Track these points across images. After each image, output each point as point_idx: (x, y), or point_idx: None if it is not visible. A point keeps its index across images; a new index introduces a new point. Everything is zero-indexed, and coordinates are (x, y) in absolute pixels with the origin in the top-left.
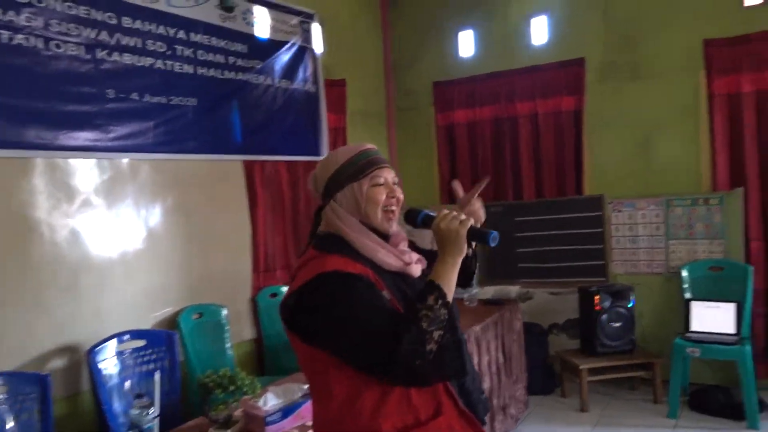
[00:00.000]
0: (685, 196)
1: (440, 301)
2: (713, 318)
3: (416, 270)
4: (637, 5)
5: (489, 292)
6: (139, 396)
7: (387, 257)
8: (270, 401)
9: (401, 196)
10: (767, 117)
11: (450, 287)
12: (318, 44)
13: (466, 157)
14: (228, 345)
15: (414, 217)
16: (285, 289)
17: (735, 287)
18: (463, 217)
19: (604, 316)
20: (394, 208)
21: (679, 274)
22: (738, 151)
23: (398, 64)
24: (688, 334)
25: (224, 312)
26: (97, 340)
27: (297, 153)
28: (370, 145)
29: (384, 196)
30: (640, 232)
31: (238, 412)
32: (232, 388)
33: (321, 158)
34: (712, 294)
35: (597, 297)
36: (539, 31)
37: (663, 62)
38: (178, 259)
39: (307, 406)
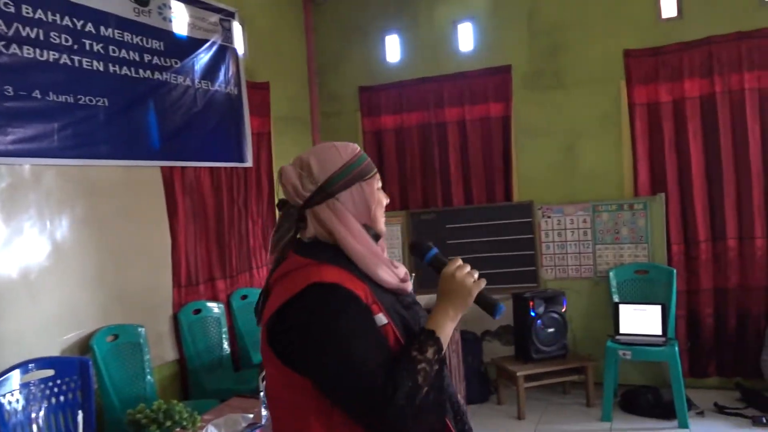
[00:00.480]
0: (610, 202)
1: (437, 357)
2: (640, 320)
3: (409, 287)
4: (560, 15)
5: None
6: None
7: (387, 275)
8: None
9: None
10: (684, 125)
11: (446, 341)
12: (240, 44)
13: (394, 163)
14: (148, 369)
15: (422, 253)
16: (210, 304)
17: (660, 290)
18: (476, 276)
19: (539, 322)
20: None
21: (607, 278)
22: (658, 158)
23: (323, 67)
24: (618, 337)
25: (143, 332)
26: None
27: (219, 159)
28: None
29: (385, 200)
30: (568, 237)
31: None
32: (168, 423)
33: (245, 164)
34: (638, 297)
35: (532, 303)
36: (466, 37)
37: (586, 71)
38: (89, 276)
39: None
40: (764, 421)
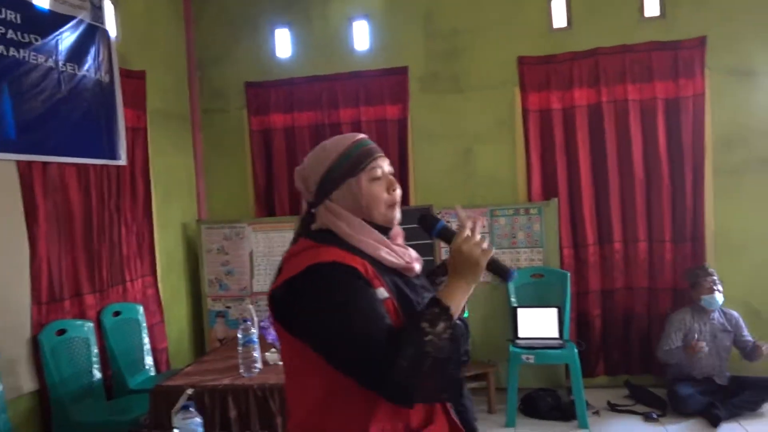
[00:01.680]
0: (507, 206)
1: (448, 331)
2: (538, 323)
3: (417, 268)
4: (456, 19)
5: None
6: None
7: (389, 255)
8: None
9: (399, 188)
10: (573, 133)
11: (458, 313)
12: (111, 25)
13: (284, 165)
14: (0, 404)
15: (430, 225)
16: (78, 323)
17: (555, 293)
18: (485, 245)
19: None
20: (397, 201)
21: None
22: (550, 163)
23: (204, 60)
24: (518, 341)
25: None
26: None
27: (88, 155)
28: (361, 135)
29: (385, 192)
30: None
31: None
32: None
33: (119, 162)
34: (535, 300)
35: None
36: (361, 36)
37: (482, 76)
38: None
39: None
40: (654, 416)
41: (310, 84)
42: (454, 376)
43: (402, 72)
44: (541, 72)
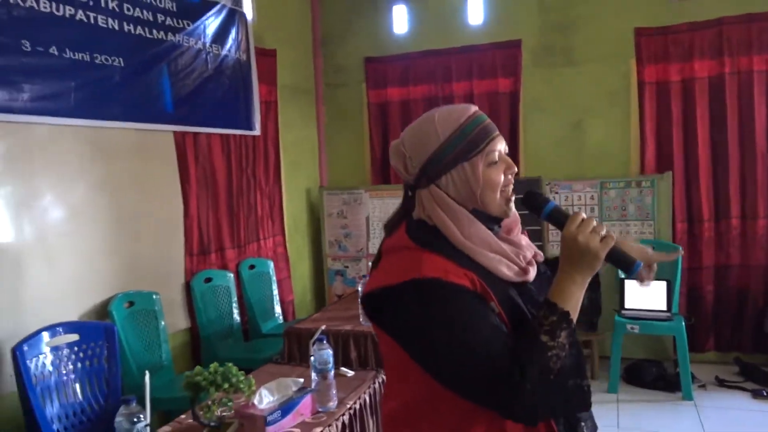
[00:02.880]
0: (618, 179)
1: (570, 339)
2: (646, 296)
3: (532, 274)
4: None
5: None
6: (125, 402)
7: (502, 266)
8: (265, 398)
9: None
10: (692, 105)
11: (576, 314)
12: (248, 8)
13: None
14: (163, 336)
15: (538, 206)
16: (223, 273)
17: (665, 266)
18: (604, 231)
19: None
20: (512, 187)
21: None
22: (665, 136)
23: (328, 37)
24: (624, 312)
25: (158, 299)
26: (17, 335)
27: (230, 126)
28: (475, 108)
29: (502, 176)
30: None
31: (230, 414)
32: (226, 385)
33: (254, 132)
34: None
35: None
36: (475, 10)
37: (595, 48)
38: (104, 242)
39: (306, 402)
40: (765, 394)
41: (425, 58)
42: (583, 385)
43: (515, 45)
44: (659, 43)
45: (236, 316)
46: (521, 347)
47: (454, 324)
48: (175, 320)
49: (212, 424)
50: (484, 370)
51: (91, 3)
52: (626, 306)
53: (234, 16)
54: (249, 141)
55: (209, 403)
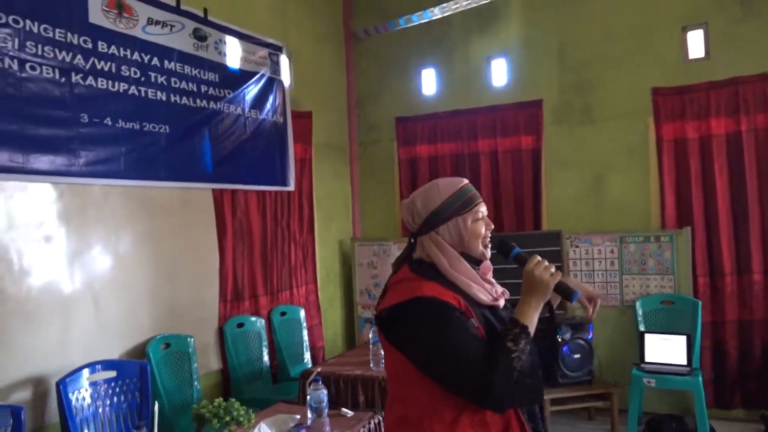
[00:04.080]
0: (637, 233)
1: (529, 347)
2: (666, 349)
3: (501, 303)
4: (589, 52)
5: None
6: (139, 427)
7: (479, 293)
8: None
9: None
10: (710, 161)
11: (533, 327)
12: (286, 76)
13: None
14: (195, 376)
15: (507, 251)
16: (252, 319)
17: (685, 320)
18: (553, 269)
19: (565, 348)
20: (489, 238)
21: (634, 307)
22: (684, 192)
23: (362, 99)
24: (644, 365)
25: (192, 342)
26: (63, 371)
27: (266, 183)
28: (466, 181)
29: (483, 230)
30: (596, 266)
31: None
32: (227, 418)
33: (288, 188)
34: (664, 326)
35: (558, 329)
36: (499, 72)
37: (614, 107)
38: (146, 288)
39: None
40: None
41: (452, 118)
42: (538, 383)
43: (536, 105)
44: (676, 102)
45: (266, 360)
46: (493, 351)
47: (444, 332)
48: (207, 361)
49: None
50: (464, 368)
51: (142, 79)
52: (646, 359)
53: (272, 83)
54: (284, 196)
55: None
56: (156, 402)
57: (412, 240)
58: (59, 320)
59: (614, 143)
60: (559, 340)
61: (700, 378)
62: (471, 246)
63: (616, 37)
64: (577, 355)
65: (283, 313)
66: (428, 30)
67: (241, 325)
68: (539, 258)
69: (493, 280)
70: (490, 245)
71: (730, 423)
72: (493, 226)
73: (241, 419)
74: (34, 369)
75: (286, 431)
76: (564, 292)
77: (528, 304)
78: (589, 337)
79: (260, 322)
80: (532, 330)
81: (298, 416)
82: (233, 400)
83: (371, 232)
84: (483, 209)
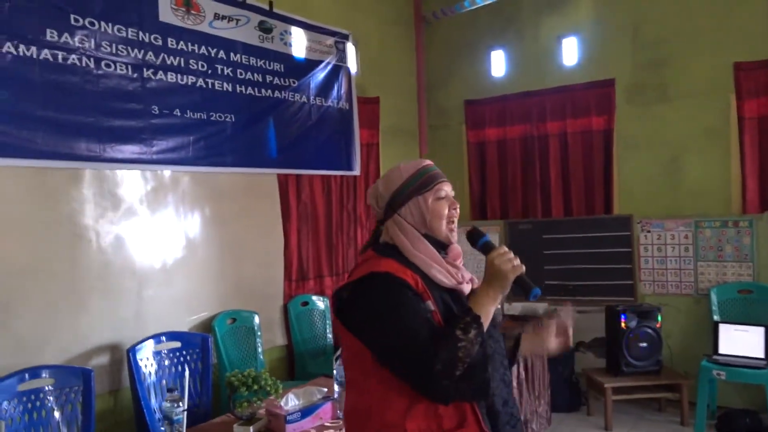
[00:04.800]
0: (714, 218)
1: (479, 338)
2: (741, 341)
3: (466, 289)
4: (666, 28)
5: (516, 308)
6: (170, 390)
7: (439, 274)
8: (291, 402)
9: (458, 209)
10: None
11: (487, 319)
12: (352, 63)
13: (496, 174)
14: (260, 350)
15: (475, 239)
16: (316, 298)
17: (764, 311)
18: (517, 262)
19: (631, 336)
20: (455, 219)
21: (708, 295)
22: None
23: (431, 82)
24: (716, 357)
25: (256, 318)
26: (137, 340)
27: (330, 167)
28: (428, 162)
29: (446, 209)
30: (668, 252)
31: (261, 411)
32: (255, 387)
33: (354, 173)
34: (740, 317)
35: (623, 316)
36: (570, 51)
37: (692, 84)
38: (213, 267)
39: (326, 408)
40: None
41: (521, 99)
42: (484, 378)
43: (608, 84)
44: (761, 77)
45: (330, 337)
46: (439, 337)
47: (394, 310)
48: (273, 337)
49: (244, 417)
50: (409, 350)
51: (209, 71)
52: (720, 351)
53: (338, 70)
54: (350, 180)
55: (244, 401)
56: (186, 371)
57: (380, 226)
58: (135, 294)
59: (691, 123)
60: (623, 327)
61: None
62: (434, 226)
63: (696, 11)
64: (643, 344)
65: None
66: (498, 11)
67: (305, 303)
68: (505, 249)
69: (461, 266)
70: (455, 228)
71: None
72: (458, 206)
73: (269, 388)
74: (112, 337)
75: (312, 402)
76: (523, 285)
77: (485, 295)
78: (658, 325)
79: (324, 301)
80: (485, 321)
81: (326, 389)
82: (263, 370)
83: None
84: (446, 188)
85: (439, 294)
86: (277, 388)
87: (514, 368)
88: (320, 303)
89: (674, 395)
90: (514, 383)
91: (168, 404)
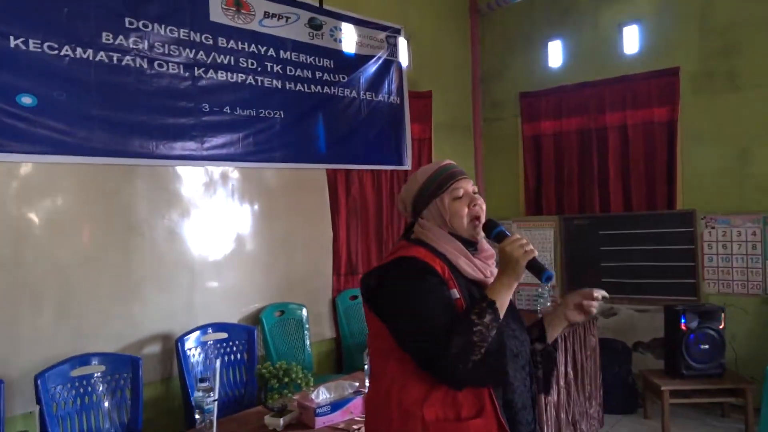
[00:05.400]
0: None
1: (494, 323)
2: None
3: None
4: (737, 12)
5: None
6: (202, 380)
7: (466, 266)
8: (322, 395)
9: (483, 204)
10: None
11: (503, 306)
12: (404, 57)
13: (552, 168)
14: (307, 342)
15: (489, 229)
16: None
17: None
18: (529, 247)
19: (691, 337)
20: (479, 215)
21: None
22: None
23: (486, 75)
24: None
25: (304, 311)
26: (187, 330)
27: (381, 162)
28: (447, 161)
29: (466, 208)
30: (734, 250)
31: (293, 404)
32: (286, 379)
33: (404, 167)
34: None
35: (683, 317)
36: (631, 40)
37: (763, 72)
38: (263, 261)
39: (356, 402)
40: None
41: (579, 90)
42: (501, 364)
43: (672, 73)
44: None
45: None
46: (456, 322)
47: (418, 292)
48: (321, 330)
49: (276, 408)
50: (427, 333)
51: (258, 69)
52: None
53: (389, 65)
54: (401, 175)
55: (276, 393)
56: (218, 360)
57: (410, 226)
58: (186, 286)
59: (763, 113)
60: (683, 328)
61: None
62: (455, 225)
63: None
64: (705, 346)
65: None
66: (556, 0)
67: (354, 297)
68: (518, 236)
69: (492, 264)
70: (480, 224)
71: None
72: (479, 202)
73: (299, 381)
74: (164, 328)
75: (344, 396)
76: (537, 270)
77: (499, 282)
78: (721, 326)
79: None
80: (501, 307)
81: (357, 383)
82: (295, 363)
83: (495, 210)
84: (465, 186)
85: (466, 285)
86: (309, 381)
87: (562, 368)
88: None
89: (738, 400)
90: (562, 383)
91: (200, 394)
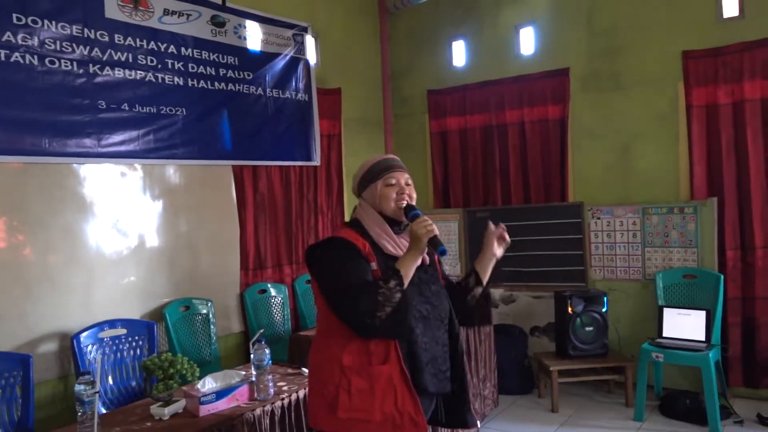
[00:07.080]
0: (660, 205)
1: (398, 287)
2: (684, 325)
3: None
4: (618, 17)
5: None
6: (83, 374)
7: (387, 243)
8: (208, 384)
9: (413, 194)
10: (743, 128)
11: (407, 275)
12: (312, 55)
13: (458, 162)
14: (214, 337)
15: (407, 212)
16: (278, 286)
17: (707, 295)
18: (432, 227)
19: (577, 320)
20: (404, 202)
21: (655, 280)
22: (715, 161)
23: (395, 72)
24: (659, 340)
25: (210, 306)
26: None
27: (289, 158)
28: (389, 155)
29: (394, 194)
30: (617, 239)
31: (178, 393)
32: (171, 371)
33: (313, 163)
34: (685, 301)
35: (569, 301)
36: (527, 41)
37: (643, 73)
38: (166, 257)
39: (242, 390)
40: None
41: (481, 89)
42: (402, 321)
43: (563, 73)
44: (708, 65)
45: (288, 325)
46: (367, 284)
47: (341, 262)
48: (229, 324)
49: (162, 399)
50: (344, 293)
51: (159, 66)
52: (664, 334)
53: (296, 63)
54: (310, 170)
55: (160, 384)
56: (101, 354)
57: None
58: (84, 284)
59: (643, 111)
60: (570, 312)
61: (713, 354)
62: (383, 206)
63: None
64: (589, 328)
65: (308, 281)
66: (458, 1)
67: (263, 291)
68: (425, 218)
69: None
70: (404, 204)
71: (758, 402)
72: (407, 191)
73: (185, 372)
74: (60, 325)
75: (230, 384)
76: (434, 245)
77: (406, 255)
78: (605, 309)
79: (282, 289)
80: (405, 275)
81: (244, 372)
82: (180, 355)
83: None
84: (399, 177)
85: (384, 260)
86: (194, 372)
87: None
88: (279, 291)
89: (621, 377)
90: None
91: (80, 387)
